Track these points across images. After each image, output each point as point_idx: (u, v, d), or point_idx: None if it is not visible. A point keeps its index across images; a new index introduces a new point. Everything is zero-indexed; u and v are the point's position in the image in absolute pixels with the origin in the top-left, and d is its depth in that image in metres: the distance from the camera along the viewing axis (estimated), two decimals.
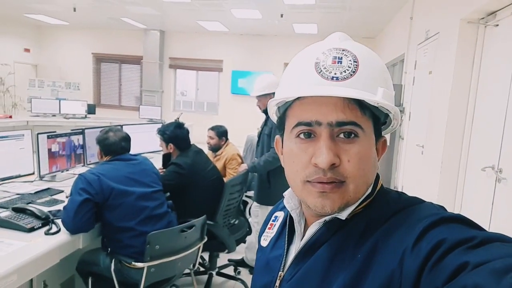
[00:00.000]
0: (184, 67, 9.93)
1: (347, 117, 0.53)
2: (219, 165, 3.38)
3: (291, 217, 0.66)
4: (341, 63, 0.54)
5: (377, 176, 0.61)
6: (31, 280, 2.02)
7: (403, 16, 5.65)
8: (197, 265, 2.28)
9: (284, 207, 0.67)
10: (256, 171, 2.83)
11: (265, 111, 2.76)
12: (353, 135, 0.54)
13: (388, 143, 0.63)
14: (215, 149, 3.54)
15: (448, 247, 0.42)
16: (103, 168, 1.92)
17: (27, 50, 9.81)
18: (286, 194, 0.65)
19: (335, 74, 0.53)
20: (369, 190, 0.58)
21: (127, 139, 2.09)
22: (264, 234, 0.73)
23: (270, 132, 2.75)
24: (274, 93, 0.91)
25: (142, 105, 8.47)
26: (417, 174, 4.21)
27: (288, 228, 0.67)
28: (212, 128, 3.54)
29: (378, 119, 0.59)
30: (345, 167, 0.54)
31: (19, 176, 2.33)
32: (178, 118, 5.31)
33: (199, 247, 2.20)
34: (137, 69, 10.01)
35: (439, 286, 0.40)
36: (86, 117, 7.34)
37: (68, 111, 7.18)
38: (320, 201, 0.54)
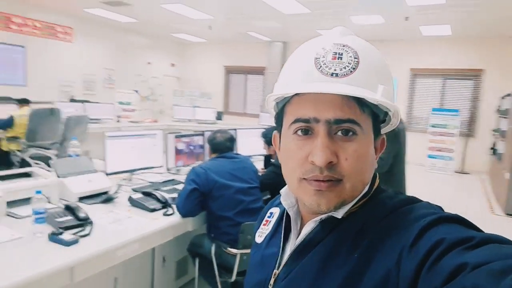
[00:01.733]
0: None
1: (346, 115, 0.52)
2: None
3: (287, 214, 0.64)
4: (341, 59, 0.52)
5: (375, 175, 0.59)
6: (154, 254, 2.44)
7: None
8: None
9: (280, 203, 0.66)
10: None
11: None
12: (351, 133, 0.53)
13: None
14: None
15: (447, 247, 0.42)
16: (210, 163, 2.21)
17: (172, 64, 11.54)
18: (282, 191, 0.64)
19: (335, 70, 0.52)
20: (366, 189, 0.57)
21: (231, 139, 2.36)
22: (259, 230, 0.72)
23: None
24: None
25: (262, 112, 9.03)
26: None
27: (284, 226, 0.65)
28: None
29: (378, 116, 0.57)
30: (342, 166, 0.52)
31: (151, 167, 2.84)
32: None
33: None
34: (260, 79, 10.72)
35: (437, 287, 0.39)
36: (214, 123, 8.22)
37: (201, 117, 8.18)
38: (316, 199, 0.53)
